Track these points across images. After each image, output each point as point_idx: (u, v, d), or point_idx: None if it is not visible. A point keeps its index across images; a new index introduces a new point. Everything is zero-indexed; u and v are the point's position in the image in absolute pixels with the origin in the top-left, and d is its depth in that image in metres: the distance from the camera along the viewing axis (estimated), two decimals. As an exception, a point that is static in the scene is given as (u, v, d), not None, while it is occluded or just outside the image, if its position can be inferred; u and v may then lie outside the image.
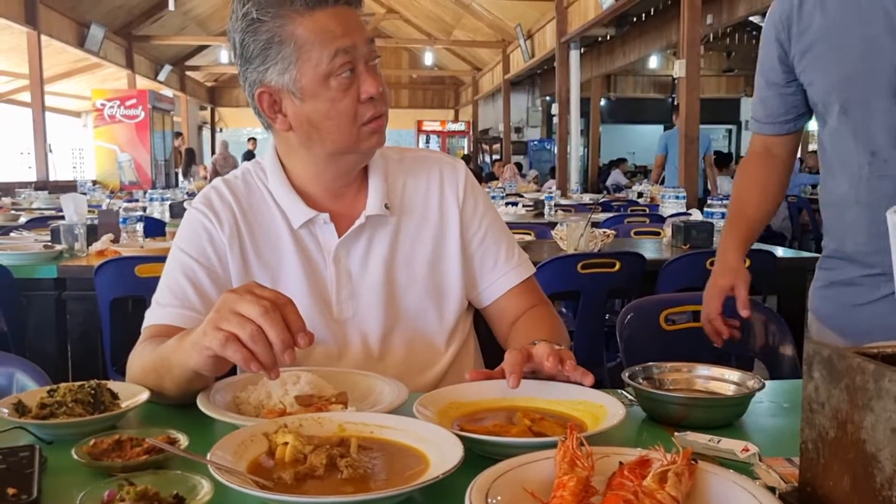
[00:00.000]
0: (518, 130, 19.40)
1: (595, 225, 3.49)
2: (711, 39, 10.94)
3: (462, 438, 0.89)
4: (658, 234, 4.08)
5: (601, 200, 7.43)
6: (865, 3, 1.46)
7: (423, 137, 21.67)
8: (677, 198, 5.18)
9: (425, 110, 23.04)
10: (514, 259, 1.47)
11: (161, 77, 17.26)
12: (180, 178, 11.91)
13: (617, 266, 2.89)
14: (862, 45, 1.46)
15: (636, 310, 1.71)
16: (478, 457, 0.90)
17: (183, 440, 0.95)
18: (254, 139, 17.65)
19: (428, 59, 18.03)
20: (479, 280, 1.45)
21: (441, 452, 0.87)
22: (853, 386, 0.69)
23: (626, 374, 1.14)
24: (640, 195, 8.24)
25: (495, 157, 18.31)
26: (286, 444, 0.88)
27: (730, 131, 20.46)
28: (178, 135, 15.94)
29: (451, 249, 1.42)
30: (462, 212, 1.43)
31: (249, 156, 15.06)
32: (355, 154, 1.33)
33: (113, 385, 1.12)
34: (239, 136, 22.98)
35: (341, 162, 1.34)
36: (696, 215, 4.37)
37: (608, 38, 12.64)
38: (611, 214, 5.20)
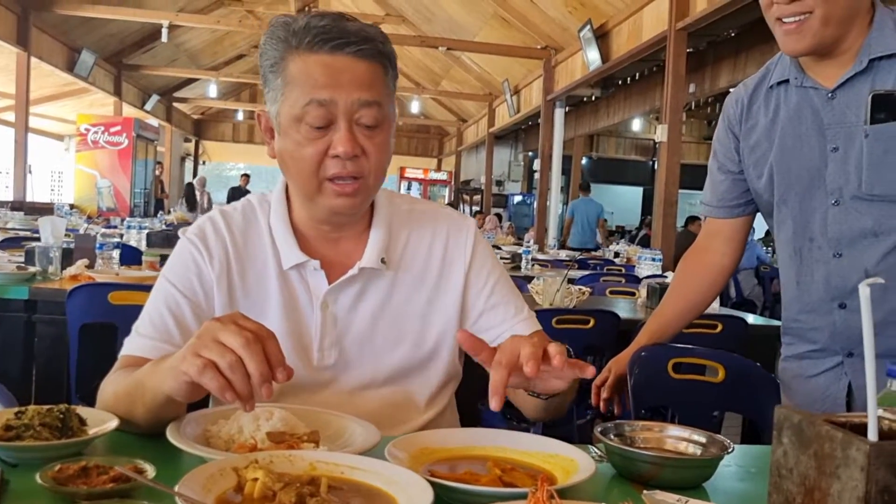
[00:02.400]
0: (499, 183, 19.59)
1: (571, 281, 3.51)
2: (693, 107, 11.18)
3: (432, 484, 0.89)
4: (633, 294, 4.11)
5: (578, 258, 7.48)
6: (795, 103, 1.55)
7: (404, 184, 21.83)
8: (653, 259, 5.22)
9: (409, 157, 23.23)
10: (523, 314, 1.43)
11: (148, 106, 17.30)
12: (182, 208, 11.95)
13: (591, 323, 2.91)
14: (795, 142, 1.55)
15: (645, 357, 1.76)
16: (447, 503, 0.90)
17: (150, 470, 0.94)
18: (246, 175, 17.22)
19: (414, 107, 18.24)
20: (485, 337, 1.39)
21: (410, 497, 0.87)
22: (821, 453, 0.71)
23: (598, 430, 1.15)
24: (616, 255, 8.30)
25: (475, 207, 18.43)
26: (256, 479, 0.87)
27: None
28: (158, 164, 15.91)
29: (447, 311, 1.38)
30: (468, 274, 1.40)
31: (238, 192, 14.73)
32: (322, 207, 1.29)
33: (81, 411, 1.11)
34: (221, 171, 22.93)
35: (316, 209, 1.31)
36: (671, 278, 4.39)
37: (593, 98, 12.86)
38: (587, 272, 5.24)
